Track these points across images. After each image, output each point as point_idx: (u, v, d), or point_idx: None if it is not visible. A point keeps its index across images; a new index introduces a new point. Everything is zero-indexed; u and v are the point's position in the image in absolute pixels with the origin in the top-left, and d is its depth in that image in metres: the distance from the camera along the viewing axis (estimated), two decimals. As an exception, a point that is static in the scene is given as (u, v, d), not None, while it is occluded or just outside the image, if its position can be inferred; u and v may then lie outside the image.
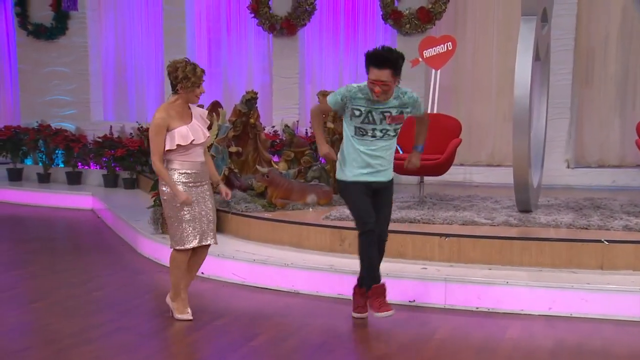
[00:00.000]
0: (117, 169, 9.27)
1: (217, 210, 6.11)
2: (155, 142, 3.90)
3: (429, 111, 7.27)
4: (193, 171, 4.02)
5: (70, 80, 9.93)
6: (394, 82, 3.92)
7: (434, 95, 7.40)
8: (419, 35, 8.20)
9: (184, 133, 3.98)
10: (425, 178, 6.58)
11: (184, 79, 3.94)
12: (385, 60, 3.87)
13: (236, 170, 6.86)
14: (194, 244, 4.06)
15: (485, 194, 6.96)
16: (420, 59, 7.52)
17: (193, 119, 4.04)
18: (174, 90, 4.00)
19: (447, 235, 4.97)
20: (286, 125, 8.07)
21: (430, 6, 8.30)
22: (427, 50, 7.49)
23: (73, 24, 9.83)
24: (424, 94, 8.38)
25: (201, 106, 7.85)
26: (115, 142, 9.22)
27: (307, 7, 8.71)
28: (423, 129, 4.33)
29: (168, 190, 4.00)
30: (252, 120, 7.17)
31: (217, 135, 6.73)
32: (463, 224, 5.35)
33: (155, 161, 3.92)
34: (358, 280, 4.24)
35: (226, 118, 7.14)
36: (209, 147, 6.70)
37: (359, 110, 3.97)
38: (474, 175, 8.29)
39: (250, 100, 7.06)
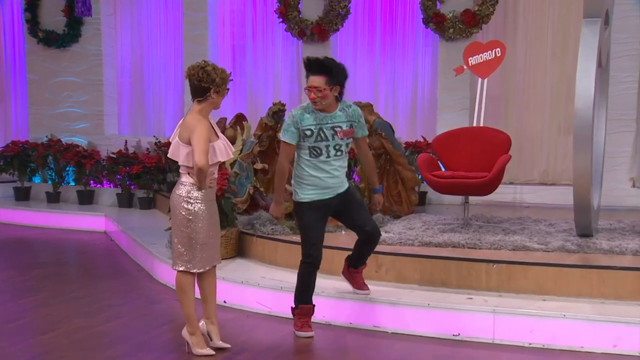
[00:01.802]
0: (132, 187, 9.42)
1: (241, 232, 6.21)
2: (206, 146, 3.96)
3: (474, 123, 7.26)
4: (211, 187, 4.14)
5: (83, 91, 10.15)
6: (330, 91, 4.33)
7: (480, 106, 7.41)
8: (464, 41, 8.24)
9: (221, 148, 4.11)
10: (471, 198, 6.57)
11: (222, 82, 4.03)
12: (318, 66, 4.33)
13: (262, 189, 6.95)
14: (205, 268, 4.15)
15: (538, 215, 6.92)
16: (464, 67, 7.53)
17: (218, 131, 4.16)
18: (202, 96, 4.07)
19: (495, 262, 4.96)
20: None
21: (476, 8, 8.34)
22: (472, 57, 7.50)
23: (86, 30, 10.07)
24: (469, 105, 8.39)
25: (224, 119, 8.10)
26: (130, 159, 9.38)
27: (340, 10, 8.82)
28: (370, 165, 4.76)
29: (195, 207, 4.07)
30: (279, 134, 7.25)
31: (241, 150, 6.82)
32: (513, 250, 5.33)
33: (204, 164, 3.96)
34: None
35: (251, 132, 7.24)
36: (232, 164, 6.80)
37: (310, 129, 4.36)
38: (526, 195, 8.25)
39: (277, 113, 7.14)
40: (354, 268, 4.89)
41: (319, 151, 4.39)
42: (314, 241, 4.44)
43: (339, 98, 4.44)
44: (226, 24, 9.88)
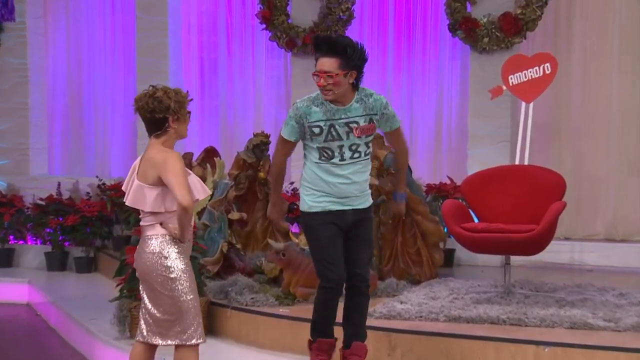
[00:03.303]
0: (66, 244, 9.41)
1: (212, 303, 6.22)
2: (187, 180, 4.04)
3: (517, 160, 7.34)
4: (190, 239, 4.20)
5: (2, 118, 10.14)
6: (345, 77, 4.42)
7: (524, 139, 7.48)
8: (503, 53, 8.40)
9: (196, 184, 4.17)
10: (513, 258, 6.59)
11: (179, 106, 4.12)
12: (330, 45, 4.43)
13: (239, 246, 6.97)
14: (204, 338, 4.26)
15: (603, 282, 6.92)
16: (503, 87, 7.61)
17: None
18: (161, 129, 4.15)
19: (547, 344, 4.97)
20: None
21: (519, 11, 8.47)
22: (514, 74, 7.59)
23: (7, 38, 10.08)
24: (510, 136, 8.48)
25: (189, 155, 8.13)
26: (64, 206, 9.38)
27: (341, 14, 8.92)
28: (403, 161, 5.02)
29: (176, 264, 4.10)
30: (261, 175, 7.29)
31: (211, 195, 6.83)
32: (571, 328, 5.33)
33: (190, 202, 4.01)
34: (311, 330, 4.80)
35: (225, 171, 7.25)
36: (200, 213, 6.83)
37: (318, 126, 4.49)
38: (586, 255, 8.27)
39: (259, 146, 7.20)
40: (347, 348, 4.83)
41: (330, 153, 4.53)
42: (331, 260, 4.56)
43: (356, 86, 4.53)
44: (192, 31, 9.99)
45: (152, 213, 4.13)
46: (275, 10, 9.05)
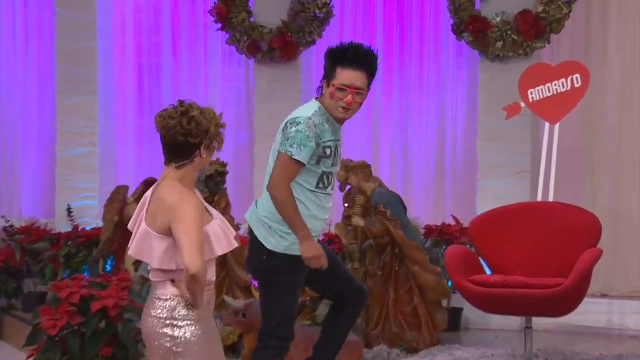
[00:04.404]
0: (-39, 303, 9.31)
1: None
2: (200, 239, 3.95)
3: (539, 196, 7.34)
4: (209, 300, 4.16)
5: None
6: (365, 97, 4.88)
7: (548, 169, 7.48)
8: (521, 62, 8.40)
9: (218, 234, 4.11)
10: (536, 321, 6.58)
11: (217, 132, 4.10)
12: (365, 57, 4.81)
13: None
14: None
15: (650, 351, 6.94)
16: (522, 104, 7.63)
17: (209, 207, 4.21)
18: (189, 158, 4.11)
19: None
20: None
21: (541, 9, 8.47)
22: (535, 88, 7.60)
23: None
24: (530, 166, 8.49)
25: (123, 189, 8.05)
26: (-43, 254, 9.29)
27: (316, 11, 8.91)
28: None
29: (186, 333, 4.05)
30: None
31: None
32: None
33: (201, 267, 3.95)
34: None
35: (168, 209, 7.24)
36: (137, 263, 6.76)
37: (329, 147, 4.85)
38: (628, 317, 8.28)
39: (213, 178, 7.18)
40: None
41: (328, 180, 4.91)
42: (292, 315, 4.93)
43: None
44: (128, 31, 9.96)
45: (162, 270, 4.09)
46: (234, 6, 8.99)
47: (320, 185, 4.84)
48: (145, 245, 4.08)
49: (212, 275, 4.16)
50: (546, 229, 6.60)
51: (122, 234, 7.66)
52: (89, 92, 9.23)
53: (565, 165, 8.18)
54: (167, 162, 4.12)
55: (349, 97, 4.74)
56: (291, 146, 4.70)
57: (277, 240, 4.81)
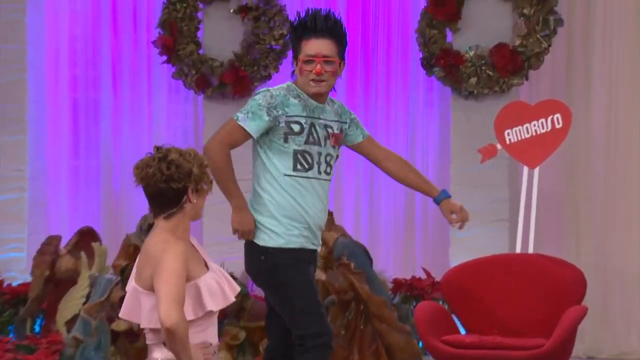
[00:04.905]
0: None
1: None
2: (180, 290, 3.91)
3: (518, 248, 7.36)
4: None
5: None
6: (339, 67, 5.05)
7: (527, 217, 7.50)
8: (497, 100, 8.47)
9: (212, 288, 4.07)
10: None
11: (202, 173, 4.08)
12: (329, 25, 4.97)
13: (125, 370, 6.88)
14: None
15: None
16: (498, 146, 7.65)
17: (205, 258, 4.18)
18: (175, 206, 4.09)
19: None
20: (232, 276, 8.11)
21: (518, 42, 8.54)
22: (512, 129, 7.63)
23: None
24: (508, 214, 8.52)
25: (55, 239, 7.96)
26: None
27: (272, 43, 8.92)
28: (409, 165, 5.53)
29: None
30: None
31: (87, 297, 6.74)
32: None
33: (178, 321, 3.88)
34: None
35: (108, 262, 7.19)
36: (70, 322, 6.71)
37: (298, 123, 4.96)
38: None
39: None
40: None
41: (309, 161, 4.98)
42: (317, 306, 4.99)
43: None
44: (62, 64, 9.90)
45: (152, 330, 4.06)
46: (181, 37, 8.98)
47: (299, 167, 4.92)
48: (134, 304, 4.07)
49: (212, 337, 4.12)
50: (526, 284, 6.62)
51: (52, 289, 7.59)
52: (18, 131, 9.16)
53: (546, 213, 8.21)
54: (155, 214, 4.11)
55: (317, 67, 4.89)
56: (240, 112, 4.97)
57: (269, 235, 4.93)
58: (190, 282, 3.98)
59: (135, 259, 7.39)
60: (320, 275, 6.98)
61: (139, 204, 8.97)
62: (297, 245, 4.95)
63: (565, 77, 8.90)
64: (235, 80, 8.96)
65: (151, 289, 3.97)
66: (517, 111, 7.66)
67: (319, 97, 4.99)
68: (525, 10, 8.51)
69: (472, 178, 8.59)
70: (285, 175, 4.92)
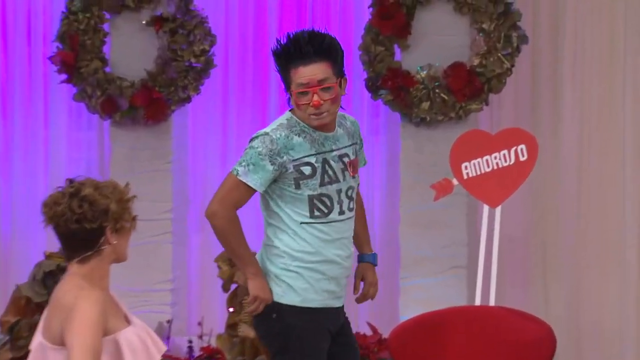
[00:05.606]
0: None
1: None
2: (96, 342, 3.84)
3: (477, 300, 7.38)
4: None
5: None
6: (340, 89, 5.02)
7: (488, 262, 7.54)
8: (452, 128, 8.54)
9: (134, 345, 4.02)
10: None
11: (122, 210, 4.05)
12: (315, 47, 4.89)
13: None
14: None
15: None
16: (454, 182, 7.68)
17: (126, 312, 4.15)
18: (92, 248, 4.05)
19: None
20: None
21: (477, 62, 8.59)
22: (470, 162, 7.67)
23: None
24: (466, 261, 8.55)
25: None
26: None
27: (192, 60, 8.92)
28: (363, 215, 5.43)
29: None
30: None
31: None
32: None
33: None
34: None
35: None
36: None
37: (309, 164, 4.92)
38: None
39: (53, 275, 7.10)
40: None
41: (327, 204, 4.95)
42: None
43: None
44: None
45: None
46: (84, 52, 8.91)
47: (317, 214, 4.90)
48: None
49: None
50: (486, 341, 6.65)
51: None
52: None
53: (510, 259, 8.27)
54: (67, 258, 4.08)
55: (314, 98, 4.85)
56: (239, 164, 4.88)
57: (283, 288, 4.90)
58: (107, 337, 3.95)
59: (27, 314, 7.38)
60: (247, 331, 6.98)
61: (33, 250, 8.93)
62: (318, 304, 4.94)
63: (530, 102, 8.98)
64: (149, 102, 8.89)
65: (61, 343, 3.92)
66: (475, 141, 7.68)
67: (325, 127, 4.98)
68: (484, 25, 8.55)
69: (424, 218, 8.61)
70: (302, 223, 4.91)
